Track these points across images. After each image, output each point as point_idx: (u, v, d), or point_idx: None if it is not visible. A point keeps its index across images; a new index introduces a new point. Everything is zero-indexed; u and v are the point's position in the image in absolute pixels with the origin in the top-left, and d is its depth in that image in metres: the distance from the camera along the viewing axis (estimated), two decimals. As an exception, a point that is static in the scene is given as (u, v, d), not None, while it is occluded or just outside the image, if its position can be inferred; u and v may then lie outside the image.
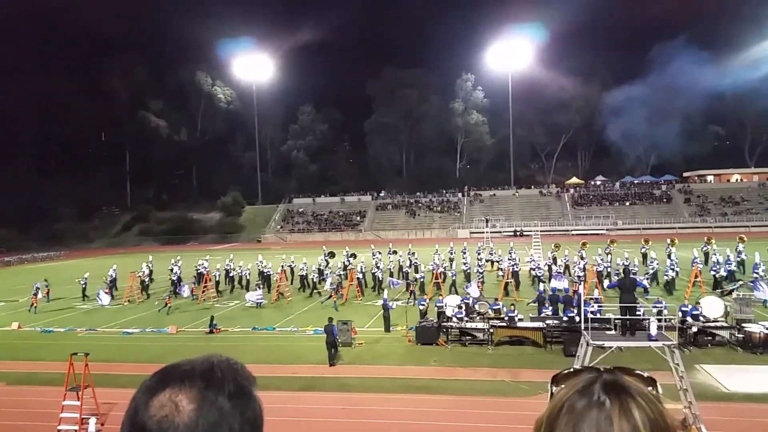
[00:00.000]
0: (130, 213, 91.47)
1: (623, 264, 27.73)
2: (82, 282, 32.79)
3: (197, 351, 1.12)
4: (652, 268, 29.52)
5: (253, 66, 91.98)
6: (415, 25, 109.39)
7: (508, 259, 30.38)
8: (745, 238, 32.31)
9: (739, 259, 31.06)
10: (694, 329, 18.27)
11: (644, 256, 33.68)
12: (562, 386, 1.08)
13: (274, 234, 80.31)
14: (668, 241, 32.44)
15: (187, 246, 75.12)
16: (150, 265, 35.46)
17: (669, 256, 29.23)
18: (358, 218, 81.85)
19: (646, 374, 1.15)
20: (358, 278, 30.56)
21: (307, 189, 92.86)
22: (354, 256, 34.79)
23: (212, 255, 42.38)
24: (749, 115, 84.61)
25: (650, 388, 1.07)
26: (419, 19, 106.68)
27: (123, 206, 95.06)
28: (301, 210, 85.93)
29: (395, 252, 35.41)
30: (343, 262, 32.72)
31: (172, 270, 34.18)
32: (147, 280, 33.73)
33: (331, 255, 34.66)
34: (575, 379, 1.06)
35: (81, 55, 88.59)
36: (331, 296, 27.91)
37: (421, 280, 30.34)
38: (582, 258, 29.50)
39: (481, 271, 30.90)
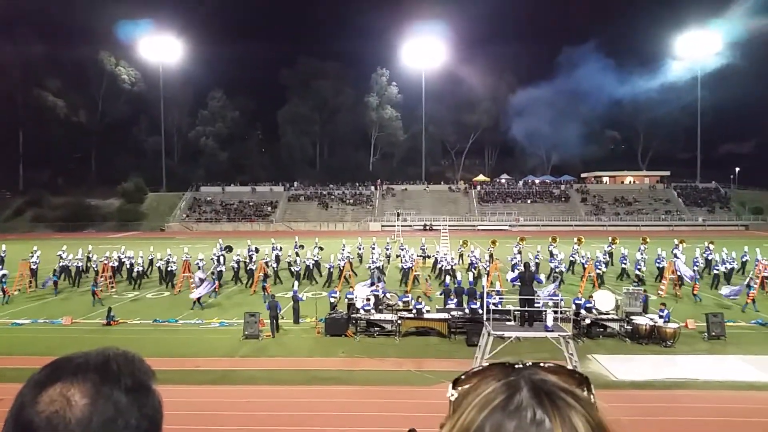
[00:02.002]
0: (22, 197, 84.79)
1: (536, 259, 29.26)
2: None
3: (93, 344, 1.05)
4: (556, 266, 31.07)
5: (160, 47, 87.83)
6: (332, 16, 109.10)
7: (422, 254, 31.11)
8: (648, 239, 34.10)
9: (643, 257, 32.72)
10: (588, 321, 19.48)
11: (550, 253, 34.92)
12: (467, 386, 0.87)
13: (180, 223, 77.42)
14: (575, 239, 34.24)
15: (84, 233, 70.91)
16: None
17: (578, 253, 30.94)
18: (270, 209, 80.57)
19: (582, 374, 0.92)
20: (272, 269, 30.13)
21: (216, 177, 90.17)
22: (230, 249, 33.39)
23: (111, 243, 40.22)
24: (643, 122, 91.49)
25: (583, 390, 0.87)
26: (336, 10, 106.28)
27: (15, 190, 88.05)
28: (209, 199, 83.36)
29: (302, 246, 34.91)
30: (218, 256, 31.67)
31: (61, 258, 32.14)
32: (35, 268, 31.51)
33: (228, 249, 33.48)
34: (486, 383, 0.84)
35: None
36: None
37: (331, 269, 30.31)
38: (491, 254, 30.94)
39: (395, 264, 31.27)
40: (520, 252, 34.23)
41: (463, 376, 0.90)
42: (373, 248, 32.36)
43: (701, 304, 23.98)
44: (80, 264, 32.23)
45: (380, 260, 31.60)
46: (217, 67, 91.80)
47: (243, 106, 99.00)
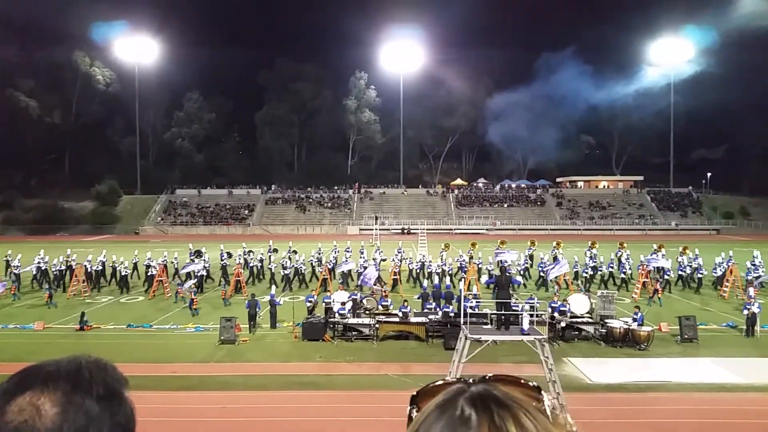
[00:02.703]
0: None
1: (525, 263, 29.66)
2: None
3: (66, 350, 1.00)
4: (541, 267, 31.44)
5: (136, 47, 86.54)
6: (311, 18, 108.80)
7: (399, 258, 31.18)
8: (626, 244, 34.50)
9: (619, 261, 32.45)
10: (563, 324, 19.70)
11: (531, 257, 35.12)
12: (423, 403, 0.88)
13: (154, 226, 76.38)
14: (554, 243, 34.63)
15: (57, 236, 69.56)
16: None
17: (555, 258, 31.31)
18: (247, 212, 79.94)
19: (532, 383, 0.97)
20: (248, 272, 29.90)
21: (192, 180, 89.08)
22: (199, 253, 32.88)
23: (85, 247, 39.50)
24: (618, 127, 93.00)
25: (534, 402, 0.88)
26: (315, 12, 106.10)
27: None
28: (185, 201, 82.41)
29: (276, 250, 34.53)
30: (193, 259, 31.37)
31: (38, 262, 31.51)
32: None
33: (198, 254, 33.07)
34: (439, 394, 0.86)
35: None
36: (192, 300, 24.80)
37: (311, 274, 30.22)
38: (471, 257, 31.16)
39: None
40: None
41: (419, 392, 0.93)
42: (348, 251, 32.44)
43: (670, 308, 24.36)
44: (61, 268, 31.50)
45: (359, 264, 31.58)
46: (193, 68, 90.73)
47: (220, 107, 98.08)
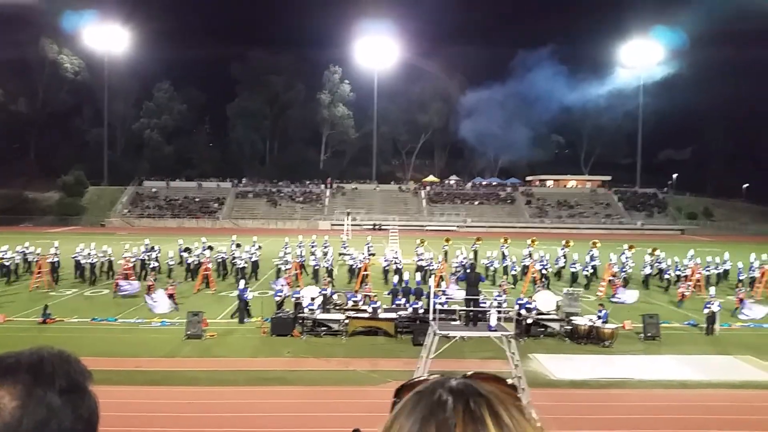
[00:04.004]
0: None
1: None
2: None
3: (27, 343, 1.00)
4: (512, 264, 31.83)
5: (106, 36, 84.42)
6: (286, 10, 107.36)
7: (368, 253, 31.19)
8: (599, 243, 35.10)
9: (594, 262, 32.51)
10: (529, 321, 19.98)
11: (503, 254, 35.31)
12: (406, 397, 0.91)
13: (121, 218, 74.97)
14: (528, 241, 35.12)
15: (21, 227, 67.80)
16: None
17: (530, 255, 31.80)
18: (216, 205, 78.97)
19: (511, 382, 0.98)
20: (214, 266, 29.57)
21: (161, 171, 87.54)
22: (152, 248, 32.44)
23: (49, 238, 38.47)
24: (587, 128, 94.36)
25: (514, 399, 0.90)
26: (290, 4, 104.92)
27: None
28: (152, 193, 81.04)
29: (239, 245, 34.04)
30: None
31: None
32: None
33: (152, 249, 32.51)
34: (420, 386, 0.90)
35: None
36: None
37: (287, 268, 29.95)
38: (446, 253, 31.53)
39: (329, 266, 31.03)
40: (475, 250, 34.83)
41: (403, 386, 0.95)
42: (313, 246, 32.46)
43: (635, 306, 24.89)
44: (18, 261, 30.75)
45: (330, 259, 31.54)
46: (164, 58, 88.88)
47: (191, 98, 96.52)
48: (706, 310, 20.87)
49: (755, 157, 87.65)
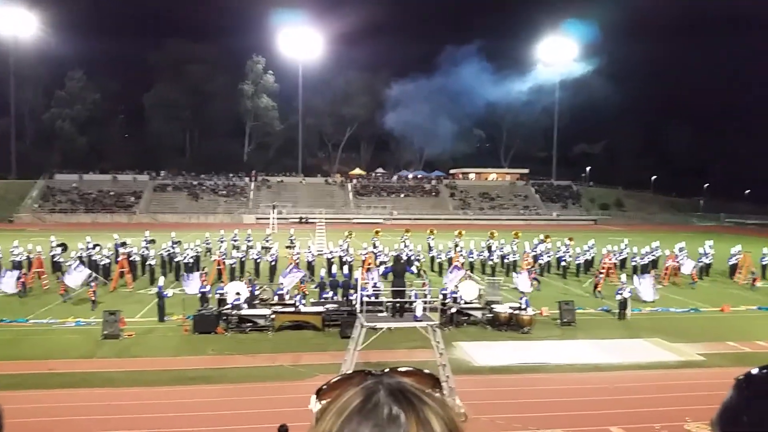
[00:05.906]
0: None
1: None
2: None
3: None
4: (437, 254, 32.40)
5: (11, 19, 78.42)
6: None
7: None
8: (520, 234, 36.39)
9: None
10: (453, 310, 20.47)
11: (429, 246, 35.81)
12: (330, 397, 0.88)
13: (31, 213, 70.50)
14: (456, 232, 35.75)
15: None
16: None
17: (457, 246, 32.39)
18: (133, 199, 75.69)
19: (427, 371, 0.98)
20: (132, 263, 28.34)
21: (74, 164, 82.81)
22: (65, 247, 30.89)
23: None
24: (507, 122, 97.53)
25: (436, 391, 0.90)
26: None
27: None
28: (65, 187, 76.64)
29: (153, 241, 32.80)
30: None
31: None
32: None
33: (63, 248, 30.78)
34: (346, 390, 0.86)
35: None
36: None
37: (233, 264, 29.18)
38: (375, 245, 31.68)
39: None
40: (405, 241, 35.14)
41: (325, 387, 0.91)
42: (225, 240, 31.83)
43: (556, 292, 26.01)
44: None
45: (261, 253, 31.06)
46: (77, 44, 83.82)
47: (105, 87, 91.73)
48: (618, 297, 22.09)
49: (662, 151, 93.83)
